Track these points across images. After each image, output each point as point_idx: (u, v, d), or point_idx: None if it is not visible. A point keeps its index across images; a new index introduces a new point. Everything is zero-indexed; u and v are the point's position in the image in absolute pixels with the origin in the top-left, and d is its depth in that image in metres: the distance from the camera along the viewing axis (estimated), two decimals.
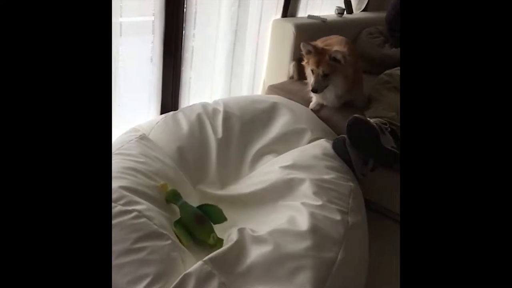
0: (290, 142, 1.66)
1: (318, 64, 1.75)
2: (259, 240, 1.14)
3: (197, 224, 1.23)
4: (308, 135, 1.70)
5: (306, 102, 1.96)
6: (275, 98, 1.90)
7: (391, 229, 1.58)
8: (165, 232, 1.12)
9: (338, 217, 1.24)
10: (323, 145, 1.63)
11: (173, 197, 1.28)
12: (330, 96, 1.87)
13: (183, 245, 1.16)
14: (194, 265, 1.03)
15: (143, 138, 1.50)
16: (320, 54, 1.75)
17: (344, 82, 1.80)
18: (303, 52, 1.81)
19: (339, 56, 1.71)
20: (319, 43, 1.92)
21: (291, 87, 2.10)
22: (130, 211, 1.11)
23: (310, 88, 1.80)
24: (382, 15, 2.63)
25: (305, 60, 1.84)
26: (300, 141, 1.67)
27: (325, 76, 1.75)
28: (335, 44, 1.89)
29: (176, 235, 1.17)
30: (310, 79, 1.83)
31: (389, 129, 1.57)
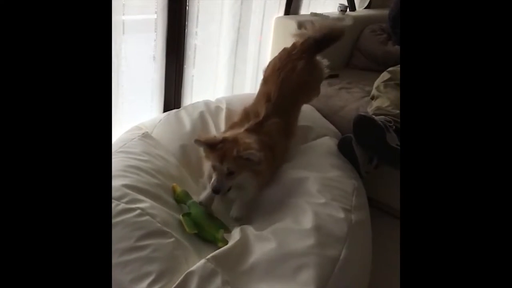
0: None
1: (221, 159, 1.28)
2: (262, 238, 1.14)
3: (208, 219, 1.26)
4: (312, 133, 1.69)
5: None
6: None
7: (394, 227, 1.56)
8: (168, 230, 1.12)
9: (341, 215, 1.24)
10: (327, 143, 1.62)
11: (185, 197, 1.31)
12: (232, 200, 1.40)
13: (187, 231, 1.19)
14: (197, 263, 1.03)
15: (145, 136, 1.50)
16: (223, 148, 1.29)
17: (255, 184, 1.35)
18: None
19: (255, 159, 1.27)
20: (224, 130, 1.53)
21: None
22: (133, 209, 1.12)
23: (209, 188, 1.31)
24: (385, 12, 2.61)
25: (204, 154, 1.37)
26: (304, 139, 1.67)
27: (230, 174, 1.30)
28: (242, 134, 1.39)
29: (181, 222, 1.20)
30: (210, 174, 1.35)
31: (394, 127, 1.57)
